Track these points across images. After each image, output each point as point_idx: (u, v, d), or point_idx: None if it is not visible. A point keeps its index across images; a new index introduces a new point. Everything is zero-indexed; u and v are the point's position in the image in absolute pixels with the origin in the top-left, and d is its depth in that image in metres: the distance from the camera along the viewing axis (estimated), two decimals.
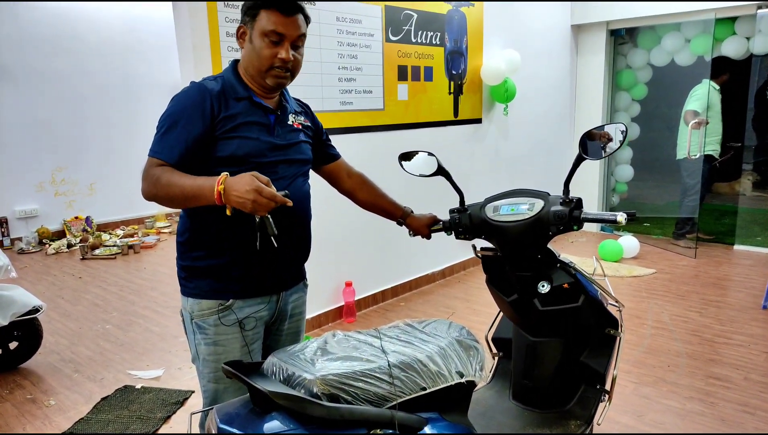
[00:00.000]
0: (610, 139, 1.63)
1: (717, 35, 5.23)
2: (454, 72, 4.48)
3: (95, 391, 2.94)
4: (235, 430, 1.13)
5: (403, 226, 1.94)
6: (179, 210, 1.60)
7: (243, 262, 1.55)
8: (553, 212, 1.69)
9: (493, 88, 4.78)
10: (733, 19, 5.17)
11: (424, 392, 1.31)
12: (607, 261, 4.88)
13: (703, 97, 5.05)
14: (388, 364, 1.27)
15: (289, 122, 1.63)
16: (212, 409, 1.25)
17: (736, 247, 5.28)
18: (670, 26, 5.55)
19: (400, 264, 4.25)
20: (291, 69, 1.53)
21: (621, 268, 4.71)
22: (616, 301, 1.90)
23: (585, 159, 1.64)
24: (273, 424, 1.14)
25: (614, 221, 1.60)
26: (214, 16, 2.93)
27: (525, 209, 1.76)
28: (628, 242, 5.03)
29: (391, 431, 1.21)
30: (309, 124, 1.73)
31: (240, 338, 1.57)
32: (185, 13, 2.84)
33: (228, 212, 1.32)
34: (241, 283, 1.56)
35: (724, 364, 3.02)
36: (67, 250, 5.99)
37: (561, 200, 1.71)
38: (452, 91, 4.50)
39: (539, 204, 1.74)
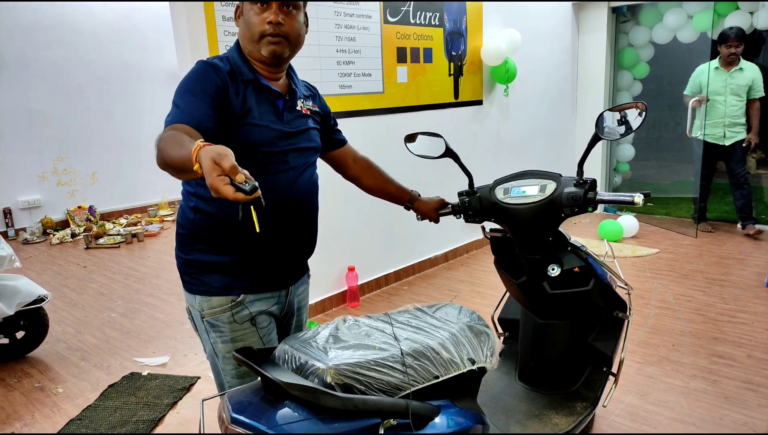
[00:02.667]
0: (628, 119, 1.57)
1: (719, 10, 5.16)
2: (453, 53, 4.43)
3: (102, 379, 2.96)
4: (247, 420, 1.12)
5: (411, 211, 1.91)
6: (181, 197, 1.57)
7: (252, 256, 1.49)
8: (566, 194, 1.65)
9: (494, 68, 4.74)
10: None
11: (436, 380, 1.30)
12: (608, 241, 4.86)
13: (694, 79, 4.93)
14: (401, 353, 1.26)
15: (298, 108, 1.56)
16: (224, 395, 1.25)
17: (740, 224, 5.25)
18: (672, 2, 5.46)
19: (403, 248, 4.26)
20: (285, 35, 1.43)
21: (624, 248, 4.71)
22: (625, 284, 1.90)
23: (601, 139, 1.60)
24: (286, 414, 1.14)
25: (631, 202, 1.57)
26: (209, 2, 2.89)
27: (537, 191, 1.72)
28: (628, 222, 5.01)
29: (404, 421, 1.20)
30: (317, 109, 1.66)
31: (255, 332, 1.54)
32: None
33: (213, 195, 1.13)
34: (251, 278, 1.51)
35: (727, 342, 3.02)
36: (71, 239, 6.02)
37: (575, 182, 1.67)
38: (452, 72, 4.45)
39: (551, 186, 1.71)
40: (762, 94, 4.78)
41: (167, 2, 2.93)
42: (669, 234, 5.11)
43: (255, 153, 1.41)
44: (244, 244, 1.48)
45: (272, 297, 1.57)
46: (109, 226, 6.30)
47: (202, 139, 1.12)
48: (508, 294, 2.17)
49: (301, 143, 1.55)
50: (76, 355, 3.25)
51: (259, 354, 1.33)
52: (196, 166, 1.03)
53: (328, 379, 1.17)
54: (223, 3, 2.94)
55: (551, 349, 1.96)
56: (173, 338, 3.44)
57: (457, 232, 4.72)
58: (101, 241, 5.80)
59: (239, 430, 1.11)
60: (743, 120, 4.80)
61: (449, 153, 1.79)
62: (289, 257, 1.58)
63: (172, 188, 7.29)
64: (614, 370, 1.95)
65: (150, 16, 7.01)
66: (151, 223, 6.52)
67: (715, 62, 4.83)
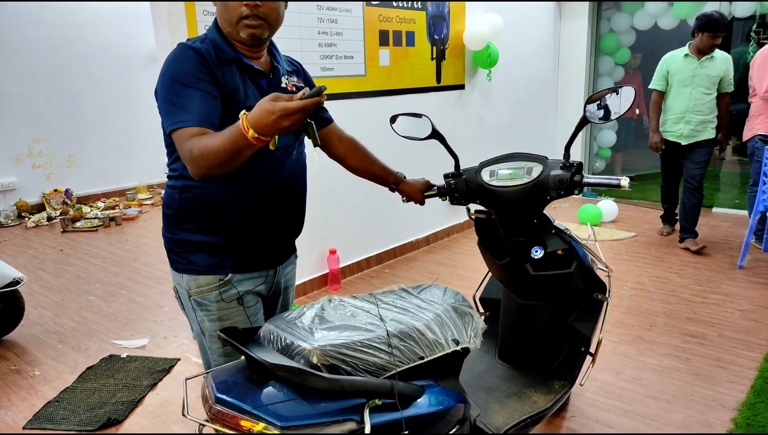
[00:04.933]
0: (616, 102, 1.56)
1: None
2: (436, 37, 4.41)
3: (80, 361, 2.94)
4: (232, 400, 1.12)
5: (396, 193, 1.88)
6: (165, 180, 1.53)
7: (238, 237, 1.48)
8: (553, 177, 1.66)
9: (476, 53, 4.74)
10: None
11: (421, 361, 1.31)
12: (587, 225, 4.93)
13: (661, 67, 4.23)
14: (387, 334, 1.27)
15: (283, 84, 1.53)
16: (208, 374, 1.24)
17: (715, 209, 5.37)
18: None
19: (384, 231, 4.26)
20: (264, 16, 1.39)
21: (602, 231, 4.78)
22: (606, 267, 1.92)
23: (589, 122, 1.59)
24: (271, 394, 1.14)
25: (617, 186, 1.57)
26: None
27: (523, 174, 1.72)
28: (608, 206, 5.08)
29: (389, 401, 1.22)
30: (302, 85, 1.61)
31: (243, 311, 1.53)
32: None
33: (272, 146, 1.19)
34: (238, 258, 1.50)
35: (699, 322, 3.10)
36: (47, 223, 5.91)
37: (561, 164, 1.67)
38: (435, 56, 4.44)
39: (538, 168, 1.71)
40: (732, 88, 4.14)
41: None
42: (646, 218, 5.20)
43: None
44: (232, 225, 1.46)
45: (260, 276, 1.56)
46: (86, 209, 6.20)
47: (243, 111, 1.17)
48: (490, 274, 2.19)
49: None
50: (53, 338, 3.22)
51: (244, 334, 1.32)
52: (251, 134, 1.13)
53: (314, 360, 1.17)
54: None
55: (532, 330, 1.99)
56: (152, 321, 3.41)
57: (438, 216, 4.74)
58: (78, 224, 5.70)
59: (224, 409, 1.11)
60: (712, 117, 4.11)
61: (435, 134, 1.77)
62: (276, 237, 1.57)
63: (151, 172, 7.21)
64: (592, 350, 1.98)
65: None
66: (130, 207, 6.43)
67: (685, 49, 4.15)
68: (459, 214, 4.97)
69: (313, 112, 1.66)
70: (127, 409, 2.49)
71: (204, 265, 1.48)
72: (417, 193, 1.85)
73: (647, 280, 3.72)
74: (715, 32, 3.94)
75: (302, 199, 1.63)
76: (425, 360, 1.32)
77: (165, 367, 2.84)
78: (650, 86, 4.30)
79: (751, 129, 4.02)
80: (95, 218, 5.82)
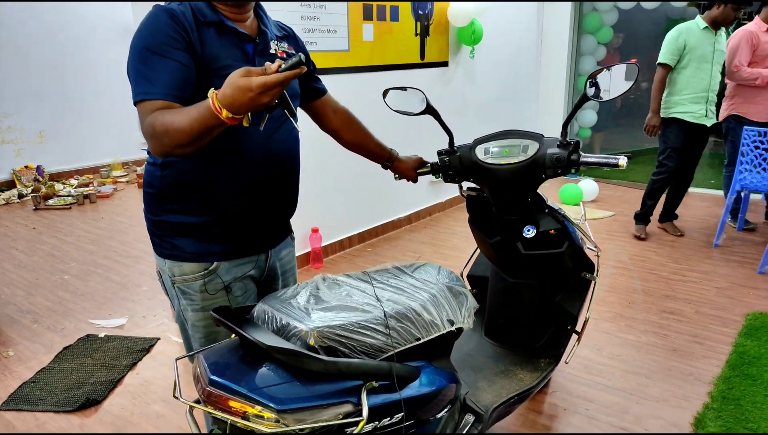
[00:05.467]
0: (618, 80, 1.50)
1: None
2: (420, 12, 4.34)
3: (56, 341, 2.87)
4: (226, 382, 1.08)
5: (389, 170, 1.83)
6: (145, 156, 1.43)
7: (226, 217, 1.38)
8: (549, 155, 1.63)
9: (460, 29, 4.67)
10: None
11: (418, 343, 1.29)
12: (568, 205, 4.97)
13: (676, 40, 3.75)
14: (384, 315, 1.24)
15: (272, 51, 1.40)
16: (199, 354, 1.20)
17: (691, 189, 5.43)
18: None
19: (366, 210, 4.23)
20: None
21: (580, 210, 4.81)
22: (595, 246, 1.92)
23: (589, 100, 1.55)
24: (266, 376, 1.11)
25: (615, 165, 1.55)
26: None
27: (519, 152, 1.69)
28: (588, 186, 5.12)
29: (385, 383, 1.20)
30: (293, 52, 1.49)
31: (228, 302, 1.44)
32: None
33: (245, 123, 1.12)
34: (225, 243, 1.40)
35: (677, 299, 3.15)
36: (18, 200, 5.74)
37: (558, 143, 1.64)
38: (419, 32, 4.37)
39: (534, 146, 1.68)
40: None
41: None
42: (625, 197, 5.26)
43: None
44: (218, 203, 1.37)
45: (249, 261, 1.47)
46: (59, 186, 6.03)
47: (212, 89, 1.09)
48: (478, 251, 2.17)
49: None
50: (27, 318, 3.14)
51: (237, 313, 1.29)
52: (224, 114, 1.06)
53: (311, 342, 1.15)
54: None
55: (520, 308, 1.99)
56: (130, 300, 3.35)
57: (421, 195, 4.72)
58: (51, 202, 5.55)
59: (217, 391, 1.08)
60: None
61: (429, 110, 1.72)
62: (267, 217, 1.46)
63: (126, 149, 7.03)
64: (578, 328, 2.00)
65: None
66: (104, 184, 6.28)
67: (701, 21, 3.75)
68: (441, 193, 4.96)
69: (305, 83, 1.60)
70: (106, 389, 2.44)
71: (189, 252, 1.40)
72: (410, 170, 1.81)
73: (627, 259, 3.77)
74: (740, 3, 3.62)
75: (295, 174, 1.52)
76: (421, 341, 1.30)
77: (144, 346, 2.80)
78: (660, 60, 3.82)
79: (726, 109, 4.06)
80: (68, 196, 5.67)
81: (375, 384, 1.18)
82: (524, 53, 5.80)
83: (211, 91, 1.08)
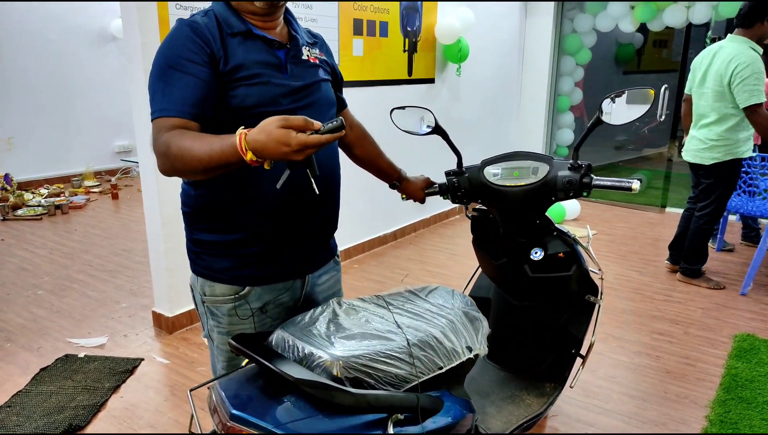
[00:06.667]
0: (633, 104, 1.49)
1: (659, 2, 5.37)
2: (409, 28, 4.35)
3: (32, 362, 2.72)
4: (251, 418, 1.02)
5: (396, 190, 1.80)
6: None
7: (260, 236, 1.33)
8: (561, 177, 1.61)
9: (447, 47, 4.70)
10: None
11: (441, 371, 1.26)
12: (586, 227, 5.02)
13: (758, 74, 3.19)
14: (407, 343, 1.20)
15: (304, 57, 1.34)
16: (216, 384, 1.13)
17: (668, 209, 5.58)
18: None
19: (351, 226, 4.18)
20: None
21: (575, 230, 4.86)
22: (599, 269, 1.92)
23: (602, 124, 1.54)
24: (290, 410, 1.06)
25: (629, 189, 1.53)
26: None
27: (529, 173, 1.68)
28: (571, 205, 5.18)
29: (410, 415, 1.15)
30: (326, 59, 1.44)
31: (253, 328, 1.39)
32: None
33: (267, 167, 1.05)
34: (259, 265, 1.35)
35: (665, 319, 3.20)
36: None
37: (569, 165, 1.63)
38: (407, 48, 4.38)
39: (544, 168, 1.67)
40: None
41: None
42: (604, 216, 5.35)
43: (253, 117, 1.14)
44: (251, 221, 1.31)
45: (284, 287, 1.40)
46: (28, 196, 5.78)
47: (242, 127, 1.04)
48: (478, 272, 2.15)
49: (313, 98, 1.33)
50: (0, 336, 2.98)
51: (255, 340, 1.23)
52: (249, 156, 1.01)
53: (336, 372, 1.10)
54: None
55: (524, 331, 1.97)
56: (110, 318, 3.21)
57: (405, 211, 4.70)
58: (20, 212, 5.32)
59: (240, 426, 1.02)
60: None
61: (438, 130, 1.69)
62: (304, 237, 1.38)
63: (99, 158, 6.82)
64: (583, 352, 1.99)
65: None
66: (76, 195, 6.06)
67: (755, 45, 3.28)
68: (425, 209, 4.94)
69: (334, 92, 1.52)
70: (89, 414, 2.32)
71: (220, 271, 1.35)
72: (418, 190, 1.77)
73: (612, 278, 3.81)
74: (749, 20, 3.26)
75: (336, 190, 1.44)
76: (444, 370, 1.26)
77: (127, 367, 2.68)
78: (757, 101, 3.20)
79: None
80: (39, 206, 5.44)
81: (400, 416, 1.14)
82: (506, 72, 5.87)
83: (241, 129, 1.03)
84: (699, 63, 3.53)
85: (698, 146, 3.53)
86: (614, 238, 4.68)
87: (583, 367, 1.98)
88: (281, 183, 1.10)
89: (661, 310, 3.31)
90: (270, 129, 0.99)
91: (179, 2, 2.75)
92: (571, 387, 1.99)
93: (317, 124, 1.01)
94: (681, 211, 5.43)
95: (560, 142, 6.48)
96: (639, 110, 1.51)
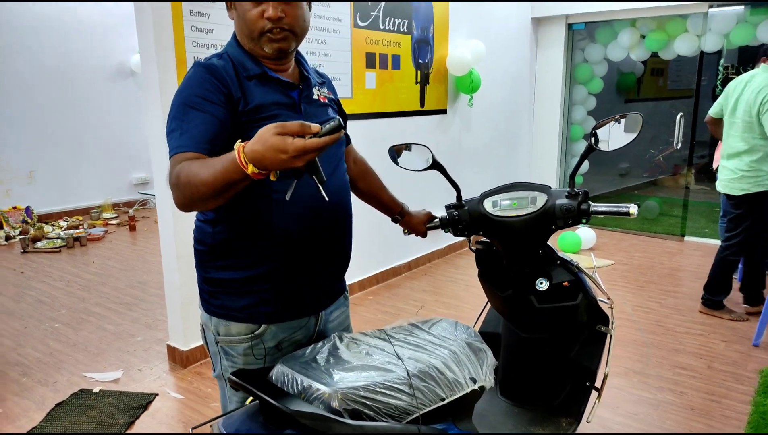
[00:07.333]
0: (623, 130, 1.53)
1: (669, 31, 5.40)
2: (420, 61, 4.41)
3: (48, 397, 2.72)
4: None
5: (398, 224, 1.82)
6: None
7: (276, 271, 1.33)
8: (559, 206, 1.62)
9: (458, 78, 4.76)
10: (685, 17, 5.34)
11: (443, 403, 1.24)
12: (568, 253, 4.97)
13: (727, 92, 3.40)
14: (407, 374, 1.19)
15: (315, 96, 1.39)
16: (218, 422, 1.13)
17: (687, 238, 5.50)
18: (626, 22, 5.68)
19: (364, 258, 4.17)
20: (289, 28, 1.27)
21: (581, 259, 4.79)
22: (608, 298, 1.90)
23: (594, 150, 1.57)
24: None
25: (626, 214, 1.54)
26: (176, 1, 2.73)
27: (527, 203, 1.70)
28: (586, 234, 5.13)
29: None
30: (333, 97, 1.49)
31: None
32: None
33: (273, 178, 1.04)
34: (275, 303, 1.35)
35: (687, 353, 3.12)
36: (5, 243, 5.58)
37: (567, 193, 1.64)
38: (419, 80, 4.43)
39: (542, 197, 1.68)
40: None
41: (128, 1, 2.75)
42: (621, 245, 5.28)
43: None
44: (267, 255, 1.32)
45: (298, 325, 1.41)
46: (47, 228, 5.89)
47: (239, 141, 1.03)
48: (488, 307, 2.13)
49: None
50: (15, 371, 2.98)
51: (256, 375, 1.23)
52: (250, 169, 0.99)
53: (335, 404, 1.09)
54: None
55: (535, 364, 1.93)
56: (125, 351, 3.21)
57: (419, 242, 4.68)
58: (39, 244, 5.40)
59: None
60: None
61: (435, 165, 1.72)
62: (318, 272, 1.39)
63: (117, 190, 6.95)
64: (597, 384, 1.94)
65: (95, 6, 6.62)
66: (95, 227, 6.15)
67: None
68: (439, 240, 4.93)
69: None
70: None
71: (236, 310, 1.35)
72: (420, 225, 1.79)
73: (630, 310, 3.74)
74: None
75: (347, 224, 1.46)
76: (446, 401, 1.25)
77: (142, 403, 2.67)
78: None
79: (719, 159, 4.11)
80: (58, 238, 5.53)
81: None
82: (518, 102, 5.91)
83: (238, 143, 1.02)
84: (732, 90, 3.48)
85: (729, 176, 3.48)
86: (632, 268, 4.61)
87: (599, 400, 1.92)
88: (290, 194, 1.10)
89: (683, 343, 3.24)
90: (266, 137, 0.98)
91: (195, 41, 2.82)
92: (588, 422, 1.94)
93: (315, 127, 1.00)
94: (699, 239, 5.39)
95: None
96: (627, 137, 1.53)
